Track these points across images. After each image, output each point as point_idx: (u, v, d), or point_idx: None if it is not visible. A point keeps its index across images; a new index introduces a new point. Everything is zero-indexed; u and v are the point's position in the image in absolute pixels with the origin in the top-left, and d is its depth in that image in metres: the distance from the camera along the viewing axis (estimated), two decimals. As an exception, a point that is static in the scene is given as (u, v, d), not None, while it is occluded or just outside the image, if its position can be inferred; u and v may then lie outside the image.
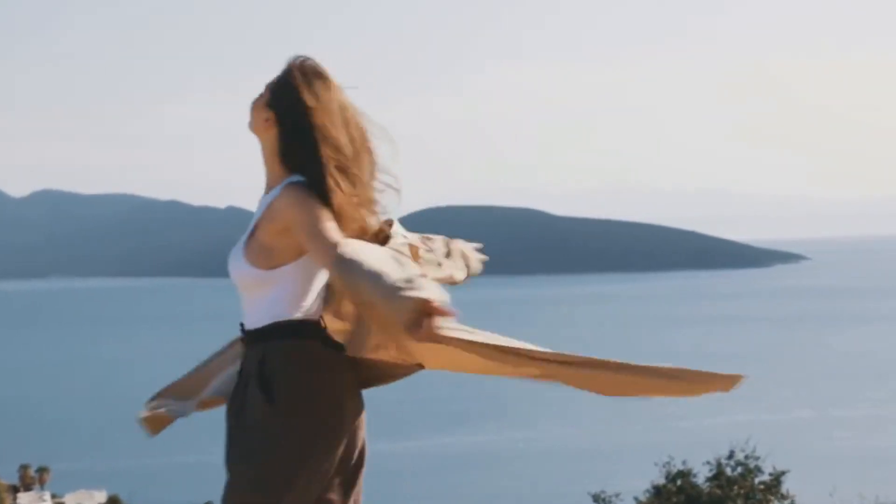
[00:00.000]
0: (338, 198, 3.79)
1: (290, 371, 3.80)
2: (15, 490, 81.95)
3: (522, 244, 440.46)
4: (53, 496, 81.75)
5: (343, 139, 3.85)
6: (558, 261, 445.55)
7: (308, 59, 3.94)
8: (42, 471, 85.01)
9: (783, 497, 19.05)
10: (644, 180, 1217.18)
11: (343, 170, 3.83)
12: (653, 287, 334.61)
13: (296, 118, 3.84)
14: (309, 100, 3.84)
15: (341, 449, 3.85)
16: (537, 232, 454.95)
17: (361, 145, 3.90)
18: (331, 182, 3.80)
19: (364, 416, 3.94)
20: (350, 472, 3.91)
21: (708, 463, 19.69)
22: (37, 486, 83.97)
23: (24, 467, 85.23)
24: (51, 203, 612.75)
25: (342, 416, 3.84)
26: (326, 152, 3.82)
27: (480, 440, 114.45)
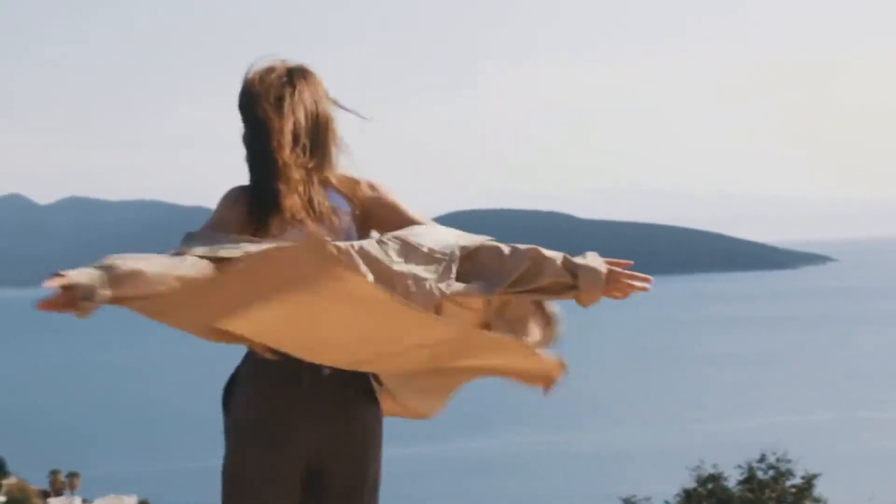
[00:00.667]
0: None
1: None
2: (45, 495, 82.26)
3: (546, 246, 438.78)
4: (84, 501, 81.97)
5: None
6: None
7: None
8: (72, 476, 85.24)
9: (815, 500, 18.96)
10: (666, 182, 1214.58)
11: None
12: (678, 289, 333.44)
13: None
14: None
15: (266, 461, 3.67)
16: (560, 235, 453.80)
17: None
18: None
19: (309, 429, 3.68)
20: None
21: (739, 467, 19.60)
22: (67, 491, 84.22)
23: (54, 472, 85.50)
24: (77, 210, 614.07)
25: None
26: None
27: (508, 443, 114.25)
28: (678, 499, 20.08)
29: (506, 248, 3.54)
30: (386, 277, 3.43)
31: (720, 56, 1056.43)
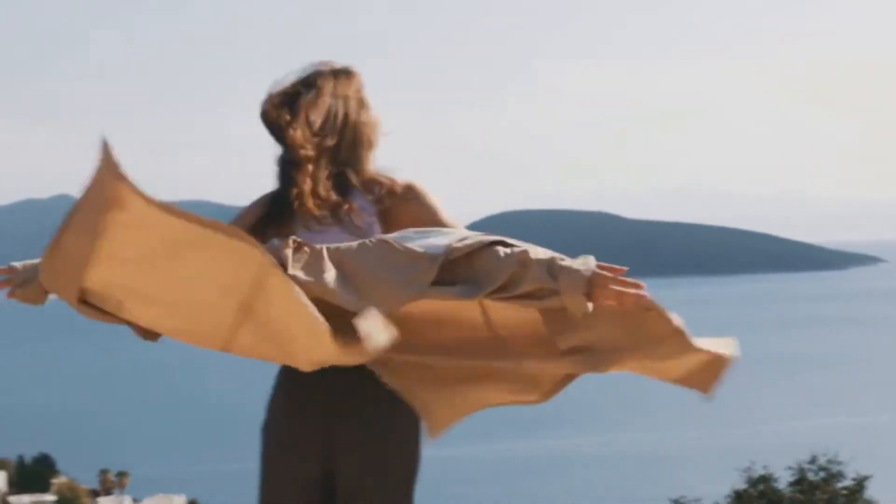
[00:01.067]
0: None
1: None
2: (95, 494, 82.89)
3: (596, 248, 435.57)
4: (133, 500, 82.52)
5: None
6: (632, 265, 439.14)
7: None
8: (122, 475, 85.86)
9: (867, 502, 18.82)
10: (715, 182, 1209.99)
11: None
12: (728, 291, 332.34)
13: None
14: None
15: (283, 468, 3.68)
16: (610, 235, 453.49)
17: None
18: None
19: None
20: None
21: (790, 468, 19.48)
22: (116, 490, 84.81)
23: (103, 472, 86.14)
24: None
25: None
26: None
27: (558, 444, 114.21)
28: (728, 500, 19.97)
29: (503, 252, 3.32)
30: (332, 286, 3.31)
31: (776, 57, 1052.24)
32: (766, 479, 19.50)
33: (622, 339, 3.42)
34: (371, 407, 3.59)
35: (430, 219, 3.64)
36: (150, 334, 3.46)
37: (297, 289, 3.17)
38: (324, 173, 3.65)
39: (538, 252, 3.31)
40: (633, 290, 3.23)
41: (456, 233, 3.43)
